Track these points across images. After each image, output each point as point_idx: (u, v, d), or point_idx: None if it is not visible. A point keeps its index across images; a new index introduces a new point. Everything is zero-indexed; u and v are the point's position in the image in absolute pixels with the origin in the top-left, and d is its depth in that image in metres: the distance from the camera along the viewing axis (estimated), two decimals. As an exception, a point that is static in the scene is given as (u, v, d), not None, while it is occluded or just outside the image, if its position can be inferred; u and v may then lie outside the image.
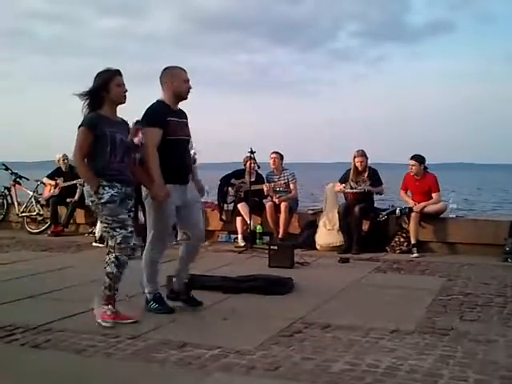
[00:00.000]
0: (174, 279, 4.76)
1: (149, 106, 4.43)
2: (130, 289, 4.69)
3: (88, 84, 4.10)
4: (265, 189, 8.36)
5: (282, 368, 3.20)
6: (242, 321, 4.24)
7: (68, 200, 9.43)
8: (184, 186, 4.48)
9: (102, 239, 8.20)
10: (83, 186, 9.46)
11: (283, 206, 8.16)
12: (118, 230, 4.06)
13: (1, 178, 11.39)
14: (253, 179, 8.32)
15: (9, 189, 10.48)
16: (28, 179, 10.62)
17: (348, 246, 7.63)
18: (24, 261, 6.98)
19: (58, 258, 7.34)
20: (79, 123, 4.07)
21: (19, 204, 10.26)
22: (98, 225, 8.31)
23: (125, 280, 4.26)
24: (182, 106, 4.52)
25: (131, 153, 4.24)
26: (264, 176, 8.63)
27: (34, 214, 9.92)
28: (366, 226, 7.86)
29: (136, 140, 4.34)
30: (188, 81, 4.45)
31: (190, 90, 4.47)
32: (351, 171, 8.03)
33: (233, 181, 8.66)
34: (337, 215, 7.87)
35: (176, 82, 4.39)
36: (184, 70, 4.47)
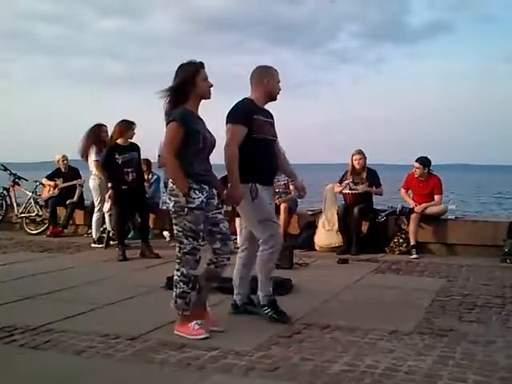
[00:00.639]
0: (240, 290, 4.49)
1: (235, 103, 4.27)
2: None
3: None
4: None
5: (281, 369, 3.20)
6: (241, 322, 4.24)
7: (68, 202, 9.42)
8: (271, 188, 4.40)
9: (100, 240, 8.21)
10: (82, 186, 9.48)
11: (282, 206, 8.16)
12: (189, 239, 3.77)
13: (0, 178, 11.39)
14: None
15: (8, 189, 10.47)
16: (27, 180, 10.61)
17: (347, 247, 7.64)
18: (23, 261, 6.98)
19: (57, 258, 7.34)
20: (169, 119, 3.80)
21: (18, 205, 10.25)
22: (94, 226, 8.32)
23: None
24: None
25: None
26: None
27: (33, 214, 9.91)
28: (365, 226, 7.86)
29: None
30: (279, 82, 4.36)
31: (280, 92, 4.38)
32: (349, 172, 8.04)
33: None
34: (336, 216, 7.88)
35: (271, 81, 4.28)
36: (277, 71, 4.37)
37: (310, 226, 8.19)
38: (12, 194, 10.39)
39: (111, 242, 8.03)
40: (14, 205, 10.28)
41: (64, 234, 9.44)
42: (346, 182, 8.01)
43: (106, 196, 7.19)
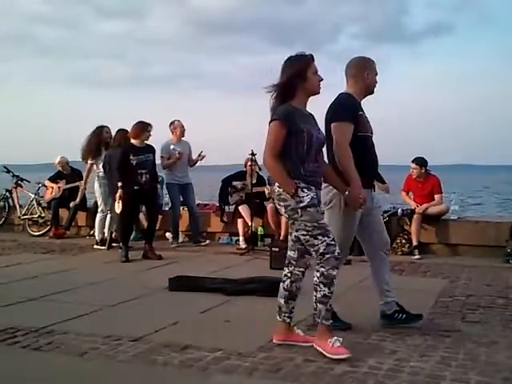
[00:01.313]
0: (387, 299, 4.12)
1: (337, 98, 3.96)
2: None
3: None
4: (266, 191, 8.36)
5: (283, 370, 3.20)
6: (244, 323, 4.23)
7: (71, 204, 9.42)
8: (371, 190, 4.05)
9: (102, 242, 8.21)
10: (85, 188, 9.50)
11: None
12: (319, 237, 3.42)
13: (2, 180, 11.41)
14: (254, 181, 8.32)
15: (10, 191, 10.48)
16: (29, 182, 10.63)
17: (350, 248, 7.61)
18: (25, 263, 6.99)
19: (59, 260, 7.35)
20: (272, 117, 3.51)
21: (21, 206, 10.27)
22: (97, 227, 8.32)
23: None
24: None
25: (322, 150, 3.71)
26: (265, 178, 8.64)
27: (36, 216, 9.92)
28: (367, 227, 7.84)
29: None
30: (377, 74, 4.05)
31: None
32: None
33: (234, 183, 8.67)
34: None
35: (370, 74, 3.98)
36: (375, 62, 4.05)
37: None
38: (14, 195, 10.41)
39: (113, 244, 8.04)
40: (17, 206, 10.30)
41: (66, 235, 9.45)
42: None
43: (116, 196, 7.14)
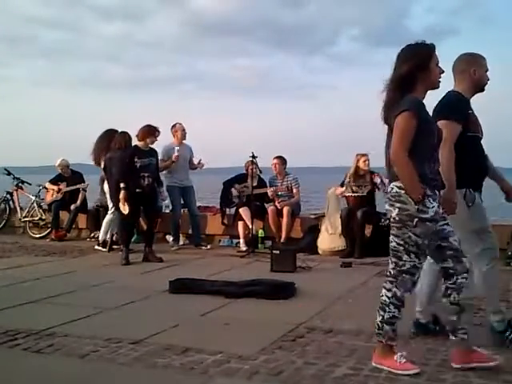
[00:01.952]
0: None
1: (445, 96, 3.76)
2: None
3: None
4: (269, 193, 8.36)
5: (284, 373, 3.19)
6: (245, 326, 4.23)
7: (72, 207, 9.42)
8: (480, 192, 3.81)
9: (104, 243, 8.21)
10: (85, 190, 9.49)
11: (285, 210, 8.16)
12: (411, 255, 3.17)
13: (3, 182, 11.42)
14: (255, 184, 8.32)
15: (11, 194, 10.49)
16: (30, 184, 10.65)
17: (350, 251, 7.63)
18: (26, 265, 6.99)
19: (60, 262, 7.34)
20: (400, 109, 3.13)
21: (21, 209, 10.28)
22: (103, 227, 8.30)
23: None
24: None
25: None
26: (266, 180, 8.65)
27: (37, 218, 9.93)
28: (368, 230, 7.85)
29: None
30: (488, 71, 3.83)
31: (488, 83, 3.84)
32: (349, 174, 7.99)
33: (235, 185, 8.68)
34: (339, 219, 7.87)
35: (479, 71, 3.75)
36: (485, 58, 3.83)
37: (314, 230, 8.18)
38: (15, 198, 10.42)
39: (114, 246, 8.05)
40: (18, 209, 10.31)
41: (67, 237, 9.45)
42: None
43: (121, 197, 7.12)
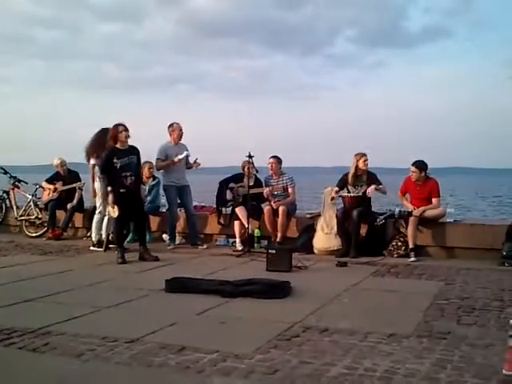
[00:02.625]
0: None
1: None
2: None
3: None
4: (264, 193, 8.35)
5: (280, 372, 3.20)
6: (241, 325, 4.24)
7: (68, 206, 9.42)
8: None
9: (99, 244, 8.20)
10: (82, 189, 9.48)
11: (281, 209, 8.18)
12: None
13: (-1, 181, 11.40)
14: (251, 183, 8.33)
15: (7, 192, 10.48)
16: (27, 183, 10.62)
17: (346, 250, 7.64)
18: (22, 264, 6.99)
19: (56, 261, 7.34)
20: None
21: (18, 208, 10.26)
22: (93, 228, 8.31)
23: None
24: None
25: None
26: (263, 180, 8.65)
27: (33, 217, 9.92)
28: (363, 230, 7.87)
29: None
30: None
31: None
32: (349, 175, 8.01)
33: (231, 185, 8.68)
34: (335, 219, 7.89)
35: None
36: None
37: (309, 229, 8.20)
38: (12, 196, 10.40)
39: (110, 245, 8.04)
40: (14, 207, 10.30)
41: (63, 236, 9.44)
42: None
43: (109, 200, 7.18)
